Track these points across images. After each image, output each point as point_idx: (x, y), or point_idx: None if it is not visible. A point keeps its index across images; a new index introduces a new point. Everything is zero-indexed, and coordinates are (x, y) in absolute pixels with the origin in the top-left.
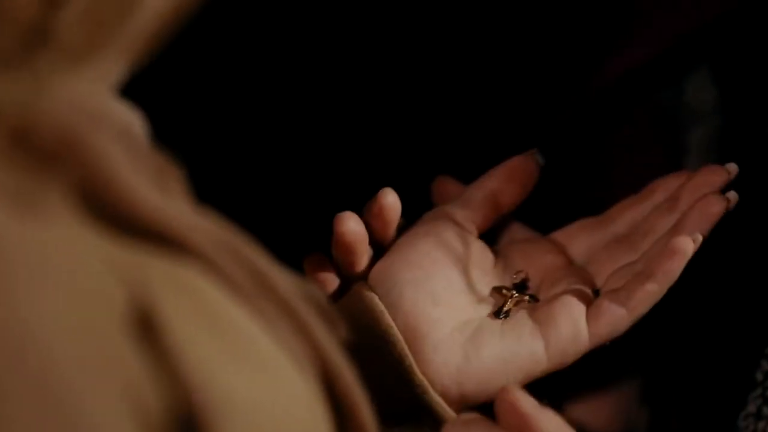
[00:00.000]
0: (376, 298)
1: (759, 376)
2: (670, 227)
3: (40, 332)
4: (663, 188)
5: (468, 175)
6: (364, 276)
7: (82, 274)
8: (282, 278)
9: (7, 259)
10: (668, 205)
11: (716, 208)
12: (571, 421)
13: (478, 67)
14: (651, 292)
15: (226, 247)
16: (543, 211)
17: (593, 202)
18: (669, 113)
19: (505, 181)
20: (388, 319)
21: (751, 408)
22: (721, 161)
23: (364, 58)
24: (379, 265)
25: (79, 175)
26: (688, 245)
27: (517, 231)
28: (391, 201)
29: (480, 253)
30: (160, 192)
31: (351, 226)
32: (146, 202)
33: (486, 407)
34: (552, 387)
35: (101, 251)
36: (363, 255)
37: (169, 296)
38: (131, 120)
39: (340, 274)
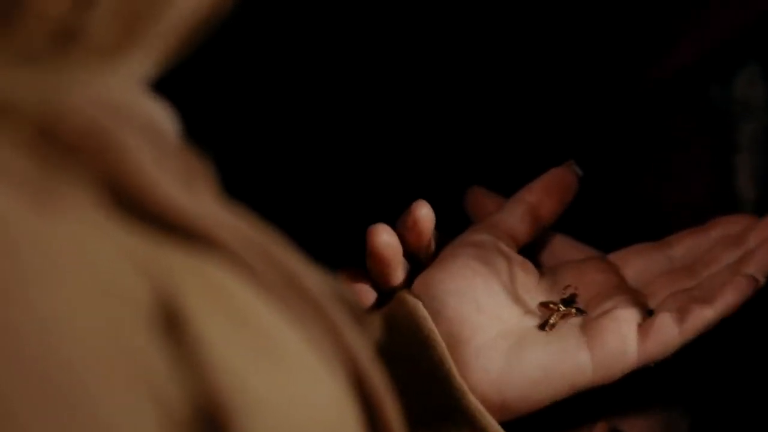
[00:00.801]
0: (419, 304)
1: None
2: (733, 261)
3: (56, 333)
4: (725, 224)
5: (504, 183)
6: (401, 288)
7: (105, 270)
8: (313, 278)
9: (22, 255)
10: (735, 241)
11: None
12: None
13: (518, 69)
14: (706, 318)
15: (255, 245)
16: (589, 213)
17: (640, 203)
18: (719, 109)
19: (544, 194)
20: (430, 323)
21: None
22: None
23: (400, 67)
24: (422, 277)
25: (103, 170)
26: (752, 283)
27: (573, 249)
28: (425, 213)
29: (522, 268)
30: (187, 189)
31: (384, 238)
32: (171, 197)
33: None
34: (592, 400)
35: (126, 247)
36: (397, 267)
37: (195, 293)
38: (161, 117)
39: (375, 286)
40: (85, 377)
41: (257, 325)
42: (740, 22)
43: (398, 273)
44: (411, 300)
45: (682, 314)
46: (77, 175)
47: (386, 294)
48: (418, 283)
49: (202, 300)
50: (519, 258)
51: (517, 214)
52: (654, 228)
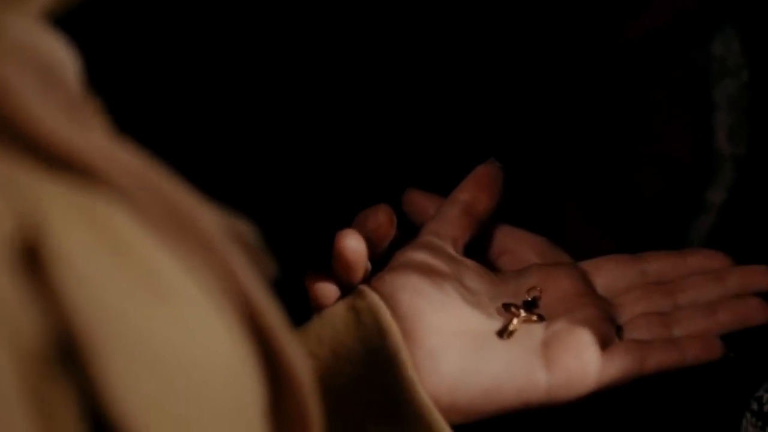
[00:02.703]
0: (378, 298)
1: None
2: (709, 299)
3: None
4: (704, 257)
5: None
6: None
7: None
8: (205, 215)
9: None
10: (715, 276)
11: (757, 318)
12: None
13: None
14: (671, 363)
15: (144, 181)
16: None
17: (621, 164)
18: (696, 69)
19: (476, 191)
20: (388, 317)
21: None
22: (750, 116)
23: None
24: (378, 277)
25: None
26: (723, 350)
27: (544, 254)
28: (389, 215)
29: (475, 270)
30: (74, 123)
31: (352, 243)
32: (51, 129)
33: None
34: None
35: None
36: (362, 269)
37: (67, 225)
38: (58, 53)
39: (340, 284)
40: None
41: (140, 259)
42: None
43: (362, 274)
44: (371, 294)
45: (649, 351)
46: None
47: (349, 289)
48: (374, 283)
49: (75, 232)
50: (468, 260)
51: (454, 215)
52: (635, 189)
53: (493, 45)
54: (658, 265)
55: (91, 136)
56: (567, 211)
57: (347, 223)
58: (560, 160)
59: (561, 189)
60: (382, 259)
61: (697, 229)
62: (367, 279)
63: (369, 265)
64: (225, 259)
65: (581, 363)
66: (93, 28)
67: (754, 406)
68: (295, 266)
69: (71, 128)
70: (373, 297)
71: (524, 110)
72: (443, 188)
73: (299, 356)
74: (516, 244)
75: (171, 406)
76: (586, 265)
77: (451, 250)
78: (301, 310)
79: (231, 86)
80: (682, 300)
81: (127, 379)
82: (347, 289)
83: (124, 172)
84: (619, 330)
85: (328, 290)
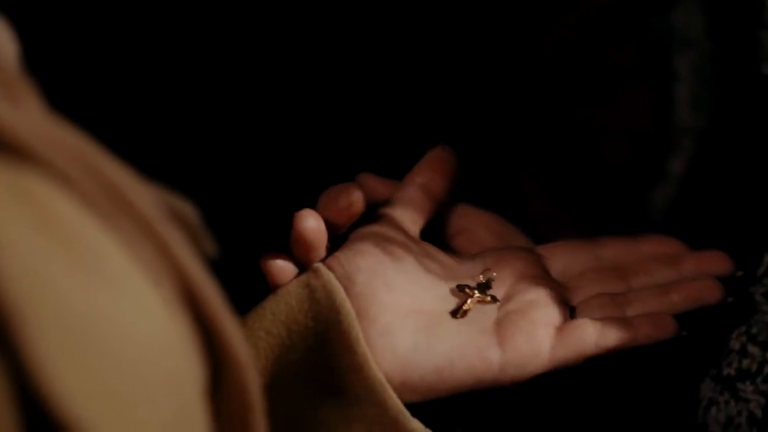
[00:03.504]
0: (332, 276)
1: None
2: (663, 282)
3: None
4: (657, 242)
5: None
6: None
7: None
8: (142, 194)
9: None
10: (669, 260)
11: (712, 298)
12: None
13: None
14: (623, 341)
15: (79, 160)
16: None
17: (582, 133)
18: (658, 39)
19: (431, 173)
20: (342, 295)
21: None
22: (712, 88)
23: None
24: (333, 257)
25: None
26: (676, 328)
27: (501, 238)
28: (361, 196)
29: (431, 250)
30: (8, 102)
31: (311, 223)
32: None
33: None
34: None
35: None
36: (322, 249)
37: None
38: None
39: (298, 264)
40: None
41: (75, 238)
42: None
43: (321, 253)
44: (326, 273)
45: (603, 328)
46: None
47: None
48: (329, 262)
49: (6, 211)
50: (424, 242)
51: (410, 196)
52: (595, 159)
53: (445, 17)
54: (613, 250)
55: (28, 115)
56: (523, 184)
57: (301, 205)
58: (517, 133)
59: (517, 162)
60: (340, 236)
61: (657, 199)
62: (326, 256)
63: (329, 245)
64: (162, 237)
65: (533, 341)
66: (30, 8)
67: (713, 371)
68: (252, 246)
69: (6, 107)
70: (328, 275)
71: (482, 86)
72: (396, 171)
73: (239, 336)
74: (471, 224)
75: (105, 383)
76: (541, 249)
77: (407, 230)
78: (255, 291)
79: (174, 63)
80: (636, 283)
81: (60, 356)
82: (305, 268)
83: (60, 151)
84: (572, 311)
85: (285, 269)
